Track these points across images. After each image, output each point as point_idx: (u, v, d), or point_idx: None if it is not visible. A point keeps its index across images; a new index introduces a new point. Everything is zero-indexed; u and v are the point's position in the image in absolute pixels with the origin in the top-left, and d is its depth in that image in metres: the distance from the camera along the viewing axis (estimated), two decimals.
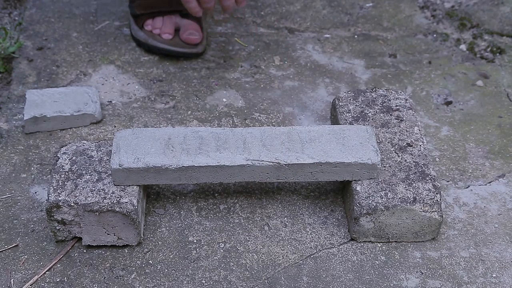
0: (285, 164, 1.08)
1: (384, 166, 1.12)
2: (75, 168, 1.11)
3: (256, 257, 1.10)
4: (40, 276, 1.06)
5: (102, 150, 1.14)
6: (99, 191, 1.07)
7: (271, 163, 1.08)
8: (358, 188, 1.10)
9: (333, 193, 1.20)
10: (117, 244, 1.10)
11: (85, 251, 1.10)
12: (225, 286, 1.06)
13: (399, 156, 1.14)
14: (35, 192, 1.19)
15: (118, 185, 1.08)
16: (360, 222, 1.09)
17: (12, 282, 1.05)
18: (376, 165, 1.08)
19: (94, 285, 1.05)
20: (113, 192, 1.07)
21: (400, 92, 1.27)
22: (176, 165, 1.07)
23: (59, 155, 1.13)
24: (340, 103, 1.24)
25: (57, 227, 1.08)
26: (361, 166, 1.08)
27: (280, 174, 1.09)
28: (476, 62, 1.50)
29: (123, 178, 1.07)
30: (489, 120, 1.36)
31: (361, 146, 1.10)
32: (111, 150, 1.13)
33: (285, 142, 1.10)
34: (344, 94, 1.26)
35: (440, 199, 1.09)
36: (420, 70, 1.47)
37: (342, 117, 1.21)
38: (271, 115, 1.35)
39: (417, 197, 1.08)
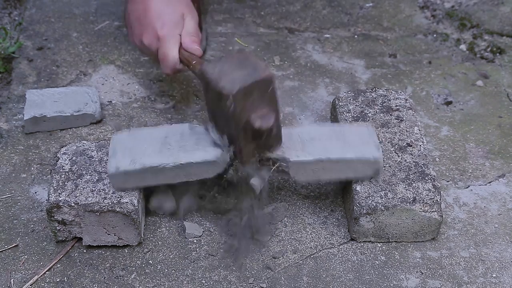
0: (285, 164, 1.07)
1: (384, 166, 1.12)
2: (75, 168, 1.11)
3: (256, 257, 1.10)
4: (40, 276, 1.06)
5: (102, 150, 1.14)
6: (100, 191, 1.07)
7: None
8: (358, 188, 1.10)
9: (333, 193, 1.20)
10: (117, 244, 1.10)
11: (85, 251, 1.10)
12: (225, 286, 1.06)
13: (399, 156, 1.14)
14: (35, 192, 1.19)
15: (118, 190, 1.07)
16: (360, 222, 1.09)
17: (12, 282, 1.05)
18: (378, 160, 1.07)
19: (94, 285, 1.05)
20: (113, 192, 1.07)
21: (400, 92, 1.27)
22: (173, 163, 1.06)
23: (59, 155, 1.13)
24: (340, 103, 1.24)
25: (57, 228, 1.08)
26: (364, 162, 1.07)
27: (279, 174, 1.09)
28: (476, 62, 1.50)
29: (122, 182, 1.06)
30: (489, 120, 1.36)
31: (362, 142, 1.09)
32: None
33: (285, 142, 1.09)
34: (344, 94, 1.26)
35: (440, 199, 1.09)
36: (420, 70, 1.47)
37: (342, 117, 1.21)
38: None
39: (417, 197, 1.08)
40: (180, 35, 1.19)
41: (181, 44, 1.19)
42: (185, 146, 1.08)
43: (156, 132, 1.11)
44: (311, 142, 1.09)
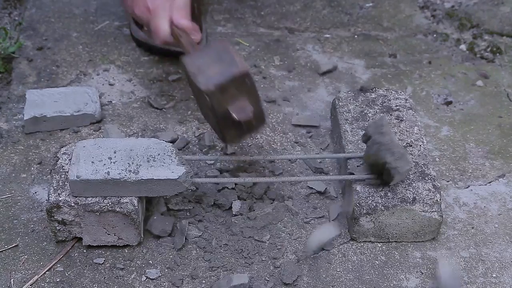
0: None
1: None
2: None
3: (256, 257, 1.10)
4: (40, 276, 1.06)
5: None
6: None
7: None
8: (358, 188, 1.10)
9: (333, 193, 1.20)
10: (117, 244, 1.10)
11: (85, 251, 1.10)
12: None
13: None
14: (35, 192, 1.19)
15: (76, 197, 1.06)
16: (360, 222, 1.09)
17: (12, 282, 1.05)
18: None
19: (94, 285, 1.05)
20: None
21: (400, 92, 1.27)
22: (135, 178, 1.05)
23: (59, 155, 1.13)
24: (340, 103, 1.24)
25: (58, 227, 1.08)
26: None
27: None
28: (476, 62, 1.50)
29: (82, 190, 1.05)
30: (489, 120, 1.36)
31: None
32: None
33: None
34: (344, 94, 1.26)
35: (440, 199, 1.09)
36: (420, 70, 1.47)
37: (342, 117, 1.21)
38: (271, 115, 1.35)
39: (417, 197, 1.08)
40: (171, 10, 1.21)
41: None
42: (149, 162, 1.06)
43: (121, 144, 1.09)
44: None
